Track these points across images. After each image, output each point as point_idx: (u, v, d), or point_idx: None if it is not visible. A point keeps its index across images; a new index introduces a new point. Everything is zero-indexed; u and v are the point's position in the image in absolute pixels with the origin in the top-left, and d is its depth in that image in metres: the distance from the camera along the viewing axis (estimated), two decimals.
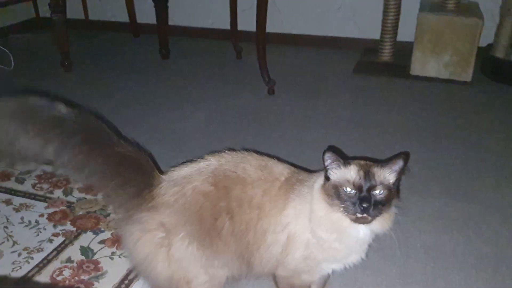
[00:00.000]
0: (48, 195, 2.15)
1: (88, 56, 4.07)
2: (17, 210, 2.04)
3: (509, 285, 1.65)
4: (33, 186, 2.21)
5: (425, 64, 3.43)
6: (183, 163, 1.39)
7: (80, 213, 2.02)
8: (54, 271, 1.69)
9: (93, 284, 1.64)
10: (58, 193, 2.16)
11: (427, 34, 3.33)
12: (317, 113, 2.98)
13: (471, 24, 3.21)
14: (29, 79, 3.55)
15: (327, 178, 1.25)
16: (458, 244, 1.85)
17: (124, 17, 4.51)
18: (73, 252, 1.79)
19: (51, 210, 2.04)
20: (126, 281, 1.65)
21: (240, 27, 3.87)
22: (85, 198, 2.12)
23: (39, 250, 1.80)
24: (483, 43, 3.44)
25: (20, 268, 1.71)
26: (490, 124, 2.82)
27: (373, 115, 2.93)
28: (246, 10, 3.87)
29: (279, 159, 1.43)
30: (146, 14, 4.30)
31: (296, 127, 2.81)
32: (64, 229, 1.92)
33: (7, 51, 3.74)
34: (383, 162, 1.25)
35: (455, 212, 2.03)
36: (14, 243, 1.84)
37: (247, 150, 1.42)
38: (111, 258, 1.76)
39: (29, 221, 1.97)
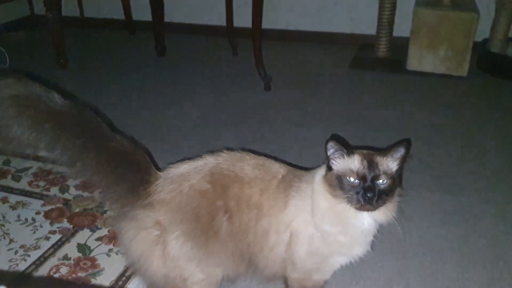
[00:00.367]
0: (44, 192, 2.14)
1: (83, 54, 4.06)
2: (13, 208, 2.03)
3: (506, 279, 1.66)
4: (30, 183, 2.21)
5: (421, 59, 3.43)
6: (180, 160, 1.39)
7: (77, 210, 2.02)
8: (51, 269, 1.69)
9: (90, 281, 1.63)
10: (54, 190, 2.15)
11: (423, 29, 3.33)
12: (313, 108, 2.98)
13: (467, 19, 3.21)
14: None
15: (329, 168, 1.24)
16: (454, 238, 1.86)
17: (119, 15, 4.49)
18: (70, 249, 1.79)
19: (47, 208, 2.03)
20: (123, 278, 1.65)
21: (236, 23, 3.86)
22: (82, 196, 2.11)
23: (36, 247, 1.80)
24: (479, 37, 3.45)
25: (17, 265, 1.71)
26: (486, 118, 2.82)
27: (369, 110, 2.94)
28: (242, 6, 3.85)
29: (276, 159, 1.43)
30: (142, 11, 4.29)
31: (293, 122, 2.81)
32: (61, 227, 1.91)
33: (2, 49, 3.71)
34: (385, 151, 1.24)
35: (452, 207, 2.03)
36: (11, 241, 1.84)
37: (244, 150, 1.42)
38: (108, 255, 1.76)
39: (26, 219, 1.96)
